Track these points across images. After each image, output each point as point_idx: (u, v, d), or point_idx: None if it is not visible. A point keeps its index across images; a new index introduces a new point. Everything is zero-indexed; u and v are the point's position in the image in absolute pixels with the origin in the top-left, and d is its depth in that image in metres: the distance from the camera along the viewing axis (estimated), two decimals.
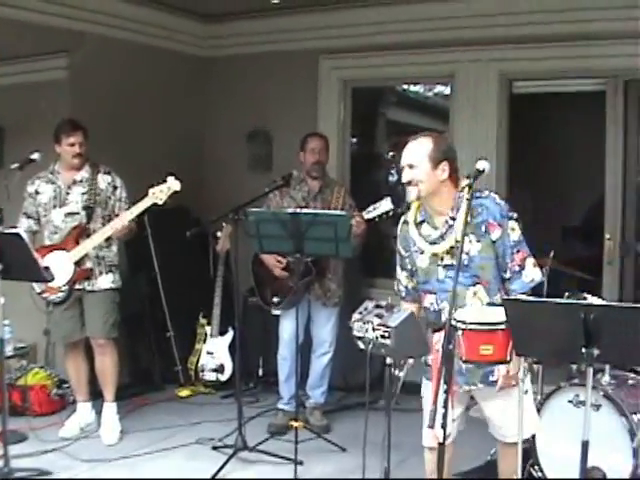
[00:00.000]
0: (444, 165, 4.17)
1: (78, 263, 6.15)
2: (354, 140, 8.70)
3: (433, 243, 4.26)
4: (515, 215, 4.24)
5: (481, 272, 4.16)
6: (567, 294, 4.95)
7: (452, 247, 4.17)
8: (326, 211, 6.07)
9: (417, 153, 4.20)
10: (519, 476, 4.16)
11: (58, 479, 5.52)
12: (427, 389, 4.29)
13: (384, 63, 7.79)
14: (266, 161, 8.39)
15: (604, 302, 4.10)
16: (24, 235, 5.18)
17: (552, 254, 5.58)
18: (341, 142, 8.09)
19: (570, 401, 4.86)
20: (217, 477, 5.51)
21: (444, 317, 4.13)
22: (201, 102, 8.71)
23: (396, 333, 3.74)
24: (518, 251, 4.17)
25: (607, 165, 6.94)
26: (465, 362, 3.80)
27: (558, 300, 3.90)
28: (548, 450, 4.92)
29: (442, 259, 4.23)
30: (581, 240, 9.20)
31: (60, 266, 6.05)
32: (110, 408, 6.41)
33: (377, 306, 4.00)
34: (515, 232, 4.18)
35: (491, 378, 4.11)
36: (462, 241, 3.90)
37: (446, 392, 3.66)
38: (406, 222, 4.40)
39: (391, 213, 5.95)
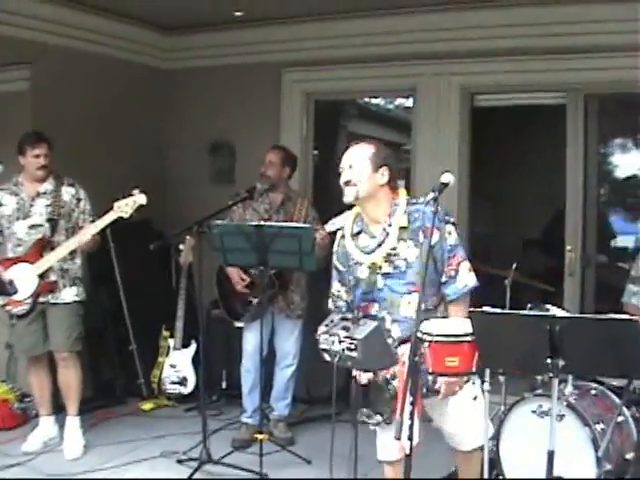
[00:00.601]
0: (384, 170, 4.24)
1: (42, 276, 6.10)
2: (316, 152, 8.72)
3: (370, 252, 4.28)
4: (452, 219, 4.29)
5: (418, 279, 4.11)
6: (530, 305, 5.00)
7: (389, 254, 4.20)
8: (290, 224, 6.08)
9: (358, 155, 4.29)
10: None
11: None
12: None
13: (346, 76, 7.84)
14: (229, 173, 8.39)
15: (568, 314, 4.12)
16: None
17: (514, 266, 5.62)
18: (304, 154, 8.09)
19: (534, 411, 4.89)
20: None
21: (387, 325, 4.20)
22: (163, 114, 8.70)
23: (363, 345, 3.76)
24: (454, 255, 4.21)
25: (568, 178, 7.01)
26: (431, 374, 3.84)
27: (524, 312, 3.97)
28: (512, 460, 4.94)
29: (380, 267, 4.24)
30: (542, 252, 9.28)
31: (24, 278, 6.01)
32: (73, 422, 6.35)
33: (343, 319, 4.01)
34: (452, 236, 4.22)
35: (435, 387, 4.07)
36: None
37: (412, 404, 3.68)
38: (343, 237, 4.43)
39: None
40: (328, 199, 8.67)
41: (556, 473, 4.75)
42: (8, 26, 6.93)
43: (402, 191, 4.24)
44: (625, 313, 5.11)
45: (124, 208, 5.95)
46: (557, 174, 7.14)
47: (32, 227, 6.21)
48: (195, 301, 6.73)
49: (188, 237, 6.77)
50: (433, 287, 4.22)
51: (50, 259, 6.09)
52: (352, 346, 3.81)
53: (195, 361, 7.34)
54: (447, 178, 3.97)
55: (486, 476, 4.46)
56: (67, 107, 7.39)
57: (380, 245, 4.24)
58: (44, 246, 6.15)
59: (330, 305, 4.60)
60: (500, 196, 9.20)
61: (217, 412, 7.31)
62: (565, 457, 4.74)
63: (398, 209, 4.21)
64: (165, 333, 7.66)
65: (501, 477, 5.06)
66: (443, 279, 4.21)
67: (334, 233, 5.95)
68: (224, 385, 7.75)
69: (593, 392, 5.22)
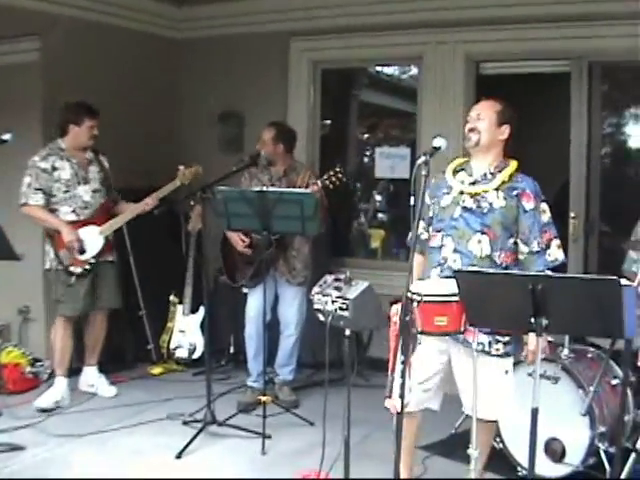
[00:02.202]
0: (506, 127, 4.51)
1: (106, 237, 6.56)
2: (328, 122, 8.76)
3: (463, 183, 4.50)
4: (546, 198, 4.50)
5: (494, 225, 4.36)
6: None
7: (477, 193, 4.42)
8: (292, 189, 6.17)
9: (488, 108, 4.53)
10: (475, 447, 4.22)
11: None
12: None
13: (353, 45, 7.86)
14: (237, 142, 8.43)
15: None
16: None
17: None
18: (311, 124, 8.18)
19: (529, 374, 4.92)
20: (186, 451, 5.60)
21: (443, 252, 4.41)
22: (173, 84, 8.75)
23: (354, 305, 3.86)
24: (546, 232, 4.39)
25: (572, 146, 7.04)
26: (421, 333, 3.92)
27: (506, 272, 4.04)
28: (509, 422, 4.99)
29: (464, 200, 4.44)
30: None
31: (91, 240, 6.47)
32: (96, 370, 6.88)
33: (336, 279, 4.11)
34: (546, 214, 4.43)
35: (490, 350, 4.29)
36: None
37: (403, 362, 3.77)
38: (443, 171, 4.61)
39: (343, 179, 6.16)
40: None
41: (551, 435, 4.90)
42: None
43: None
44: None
45: (187, 175, 6.55)
46: (562, 142, 7.16)
47: (95, 191, 6.60)
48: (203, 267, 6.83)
49: (195, 204, 6.86)
50: (505, 247, 4.39)
51: (117, 223, 6.62)
52: (344, 306, 3.90)
53: (203, 326, 7.41)
54: (438, 142, 4.06)
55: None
56: (77, 78, 7.43)
57: (474, 183, 4.47)
58: (109, 210, 6.65)
59: (407, 238, 4.79)
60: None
61: (225, 376, 7.44)
62: (560, 419, 4.87)
63: (509, 167, 4.47)
64: (174, 299, 7.76)
65: (498, 438, 5.15)
66: (534, 248, 4.37)
67: (327, 188, 6.11)
68: (232, 350, 7.85)
69: (590, 355, 5.30)
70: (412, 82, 9.24)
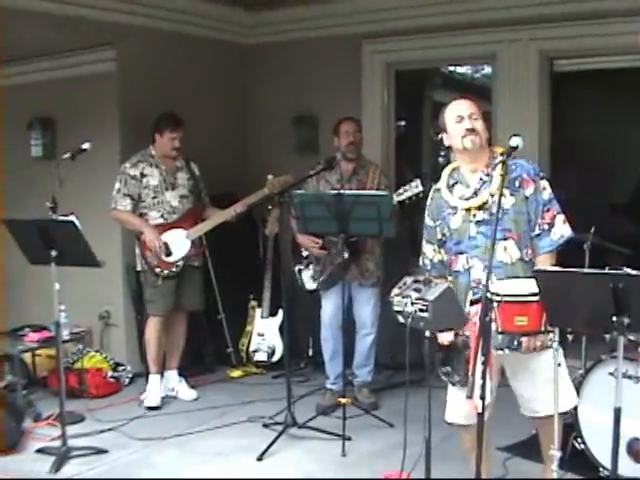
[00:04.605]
0: (486, 123, 4.41)
1: (193, 241, 6.72)
2: (402, 123, 8.76)
3: (466, 200, 4.37)
4: (545, 175, 4.39)
5: (513, 226, 4.25)
6: (607, 269, 4.99)
7: (485, 202, 4.28)
8: (369, 192, 6.19)
9: (475, 106, 4.41)
10: (556, 448, 4.19)
11: None
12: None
13: (425, 45, 7.84)
14: (312, 145, 8.45)
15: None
16: (77, 223, 5.41)
17: (593, 230, 5.59)
18: (385, 125, 8.18)
19: (611, 373, 4.86)
20: (267, 453, 5.66)
21: (474, 275, 4.27)
22: (246, 89, 8.84)
23: (434, 306, 3.84)
24: (548, 210, 4.28)
25: None
26: (501, 333, 3.90)
27: (586, 270, 3.99)
28: (590, 423, 4.95)
29: (474, 215, 4.32)
30: (629, 217, 9.14)
31: (178, 243, 6.65)
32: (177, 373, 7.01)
33: (415, 281, 4.09)
34: (546, 191, 4.31)
35: (515, 342, 4.06)
36: (500, 194, 3.99)
37: (484, 364, 3.77)
38: (437, 190, 4.49)
39: (421, 195, 5.94)
40: (413, 169, 8.78)
41: (633, 435, 4.83)
42: (93, 9, 7.08)
43: (499, 147, 4.29)
44: None
45: (276, 185, 6.49)
46: None
47: (182, 197, 6.76)
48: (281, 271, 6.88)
49: (272, 208, 6.91)
50: (528, 242, 4.30)
51: (204, 227, 6.76)
52: (424, 307, 3.89)
53: (282, 329, 7.45)
54: (516, 141, 4.02)
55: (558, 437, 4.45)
56: (152, 86, 7.56)
57: (476, 193, 4.34)
58: (197, 215, 6.80)
59: (420, 262, 4.74)
60: (583, 161, 9.09)
61: (304, 379, 7.49)
62: None
63: (497, 159, 4.25)
64: (253, 302, 7.83)
65: (579, 439, 5.10)
66: (536, 231, 4.28)
67: (402, 202, 6.02)
68: (310, 352, 7.88)
69: None
70: (485, 81, 9.20)
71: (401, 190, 6.04)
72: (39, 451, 5.70)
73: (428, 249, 4.62)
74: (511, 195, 4.26)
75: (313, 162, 6.76)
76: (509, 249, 4.26)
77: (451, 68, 9.94)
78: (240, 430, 6.21)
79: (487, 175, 4.33)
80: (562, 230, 4.28)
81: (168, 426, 6.26)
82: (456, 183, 4.45)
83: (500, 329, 3.86)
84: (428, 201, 4.57)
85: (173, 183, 6.74)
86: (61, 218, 5.58)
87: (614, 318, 3.40)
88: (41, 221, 5.59)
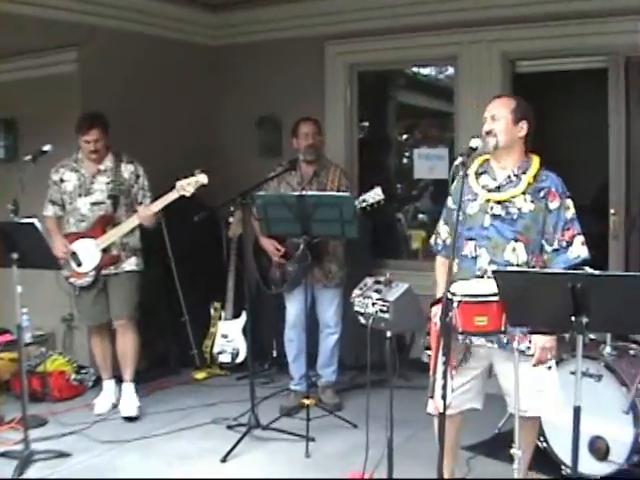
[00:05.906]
0: (523, 123, 4.39)
1: (105, 250, 6.40)
2: (365, 124, 8.76)
3: (489, 191, 4.41)
4: (571, 194, 4.39)
5: (525, 231, 4.30)
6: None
7: (505, 200, 4.33)
8: (331, 193, 6.21)
9: (502, 107, 4.41)
10: (518, 447, 4.22)
11: None
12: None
13: (388, 47, 7.85)
14: (276, 147, 8.44)
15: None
16: (38, 225, 5.37)
17: None
18: (348, 126, 8.20)
19: (572, 372, 4.89)
20: (231, 455, 5.65)
21: (479, 264, 4.31)
22: (211, 91, 8.80)
23: (394, 307, 3.88)
24: (569, 228, 4.30)
25: (611, 141, 6.98)
26: (462, 333, 3.93)
27: (545, 270, 4.02)
28: (552, 421, 4.97)
29: (492, 208, 4.36)
30: (591, 219, 9.18)
31: (88, 252, 6.37)
32: (129, 387, 6.63)
33: (376, 282, 4.13)
34: (569, 210, 4.33)
35: (529, 352, 4.19)
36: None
37: (445, 364, 3.79)
38: (466, 175, 4.45)
39: (382, 202, 6.02)
40: (377, 171, 8.78)
41: (594, 433, 4.88)
42: (57, 10, 7.04)
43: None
44: None
45: (186, 187, 6.18)
46: (601, 139, 7.11)
47: (94, 204, 6.47)
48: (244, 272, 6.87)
49: (235, 209, 6.90)
50: (537, 249, 4.34)
51: (113, 235, 6.40)
52: (384, 308, 3.92)
53: (246, 331, 7.42)
54: (475, 143, 4.07)
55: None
56: (116, 88, 7.51)
57: (499, 188, 4.38)
58: (107, 222, 6.44)
59: (431, 241, 4.80)
60: (545, 162, 9.10)
61: (268, 380, 7.48)
62: (603, 417, 4.84)
63: (532, 166, 4.37)
64: (216, 304, 7.83)
65: (541, 437, 5.13)
66: (554, 247, 4.31)
67: (363, 209, 6.02)
68: (275, 354, 7.87)
69: (632, 352, 5.26)
70: (449, 82, 9.21)
71: (361, 199, 6.04)
72: (1, 455, 5.66)
73: (443, 229, 4.68)
74: (532, 202, 4.31)
75: (275, 164, 6.77)
76: (518, 250, 4.30)
77: (415, 69, 9.91)
78: (204, 432, 6.20)
79: (516, 176, 4.37)
80: (579, 251, 4.30)
81: (132, 429, 6.24)
82: (484, 172, 4.49)
83: (460, 329, 3.88)
84: (454, 184, 4.54)
85: (88, 189, 6.46)
86: (22, 220, 5.53)
87: (573, 318, 3.42)
88: (2, 224, 5.55)
